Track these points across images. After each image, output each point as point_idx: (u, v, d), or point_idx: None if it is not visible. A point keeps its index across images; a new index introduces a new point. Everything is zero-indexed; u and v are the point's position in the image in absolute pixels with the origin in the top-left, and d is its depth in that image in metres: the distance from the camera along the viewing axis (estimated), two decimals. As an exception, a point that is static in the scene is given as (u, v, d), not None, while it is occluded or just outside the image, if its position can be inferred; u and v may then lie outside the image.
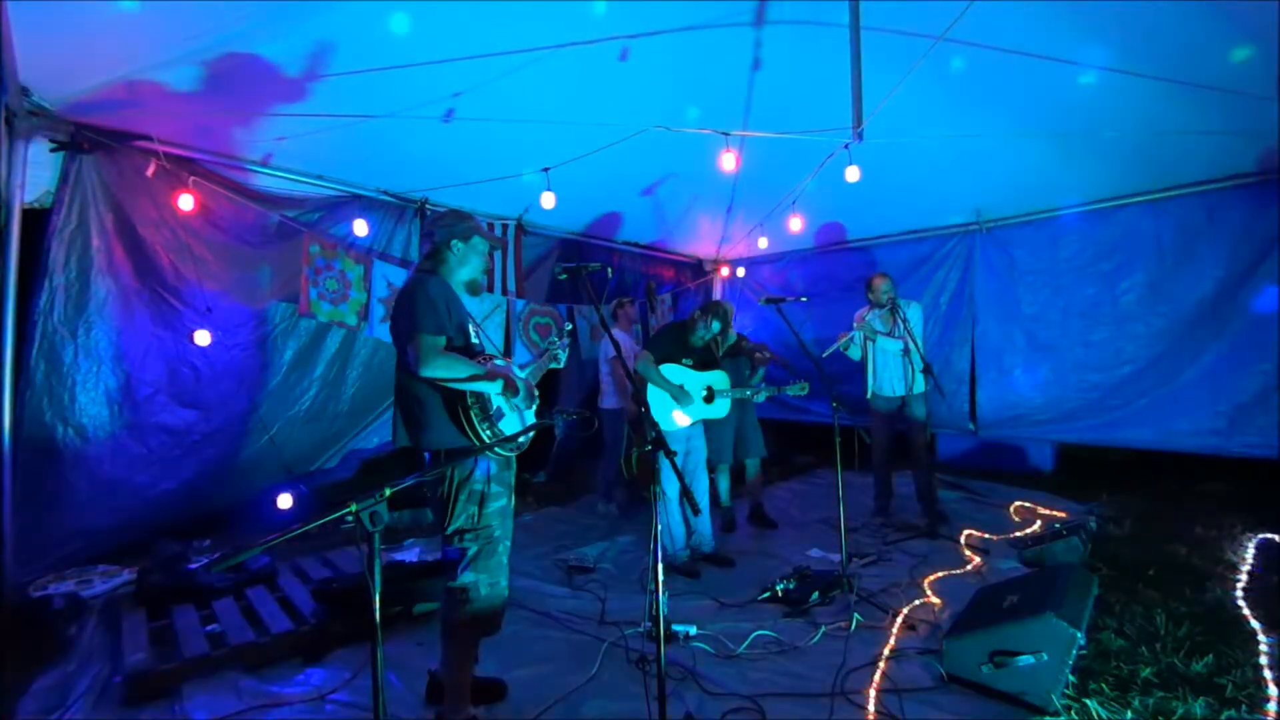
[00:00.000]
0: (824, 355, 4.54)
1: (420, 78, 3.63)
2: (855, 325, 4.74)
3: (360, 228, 4.72)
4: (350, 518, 1.44)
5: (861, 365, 4.83)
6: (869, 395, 4.81)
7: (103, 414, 3.71)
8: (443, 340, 2.13)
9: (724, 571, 3.85)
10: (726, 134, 4.00)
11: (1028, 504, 5.03)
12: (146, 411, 3.89)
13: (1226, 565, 3.55)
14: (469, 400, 2.14)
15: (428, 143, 4.27)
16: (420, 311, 2.13)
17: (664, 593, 1.95)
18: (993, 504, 5.11)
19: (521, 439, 2.24)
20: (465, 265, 2.38)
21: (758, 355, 4.68)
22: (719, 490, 4.78)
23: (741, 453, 4.74)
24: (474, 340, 2.31)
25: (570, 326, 2.86)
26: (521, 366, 2.51)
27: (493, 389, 2.19)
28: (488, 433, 2.15)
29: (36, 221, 3.42)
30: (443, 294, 2.22)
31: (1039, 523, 4.61)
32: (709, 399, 3.98)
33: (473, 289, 2.43)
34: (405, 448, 2.26)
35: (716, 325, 3.99)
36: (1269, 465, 4.57)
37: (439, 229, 2.36)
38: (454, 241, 2.34)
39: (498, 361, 2.31)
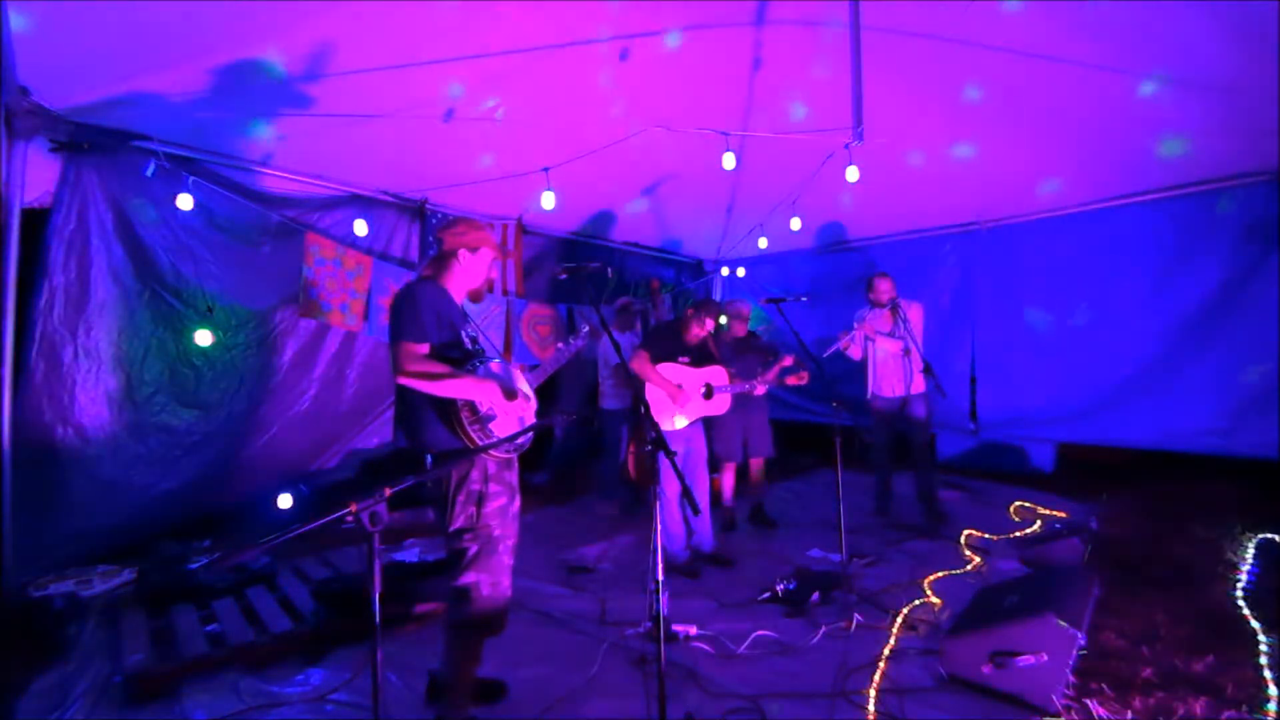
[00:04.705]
0: (825, 355, 4.53)
1: (420, 78, 3.63)
2: (856, 325, 4.74)
3: (360, 228, 4.72)
4: (350, 518, 1.44)
5: (861, 365, 4.83)
6: (869, 395, 4.81)
7: (103, 414, 3.71)
8: (423, 348, 2.14)
9: (724, 571, 3.84)
10: (727, 134, 4.00)
11: (1028, 504, 5.03)
12: (146, 411, 3.88)
13: (1226, 565, 3.55)
14: (459, 402, 2.15)
15: (428, 143, 4.27)
16: (405, 319, 2.16)
17: (664, 593, 1.95)
18: (993, 504, 5.11)
19: (519, 440, 2.24)
20: (470, 274, 2.39)
21: (772, 359, 4.65)
22: (722, 489, 4.78)
23: (750, 451, 4.74)
24: (468, 346, 2.30)
25: (586, 328, 2.85)
26: (528, 369, 2.51)
27: (477, 396, 2.18)
28: (479, 434, 2.16)
29: (36, 221, 3.43)
30: (433, 301, 2.22)
31: (1039, 523, 4.61)
32: (708, 396, 3.98)
33: (475, 297, 2.45)
34: (405, 447, 2.27)
35: (710, 323, 3.98)
36: (1269, 465, 4.56)
37: (449, 235, 2.37)
38: (461, 251, 2.35)
39: (494, 362, 2.31)
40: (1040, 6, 3.36)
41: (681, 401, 3.81)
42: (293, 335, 4.54)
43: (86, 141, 3.49)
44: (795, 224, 5.44)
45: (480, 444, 2.15)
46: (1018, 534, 4.36)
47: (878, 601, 3.30)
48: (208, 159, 4.00)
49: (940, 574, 3.65)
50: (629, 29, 3.63)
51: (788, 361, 4.39)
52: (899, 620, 3.04)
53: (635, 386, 2.72)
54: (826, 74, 3.70)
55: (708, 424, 4.16)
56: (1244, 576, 3.37)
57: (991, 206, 5.73)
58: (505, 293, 5.61)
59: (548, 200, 4.43)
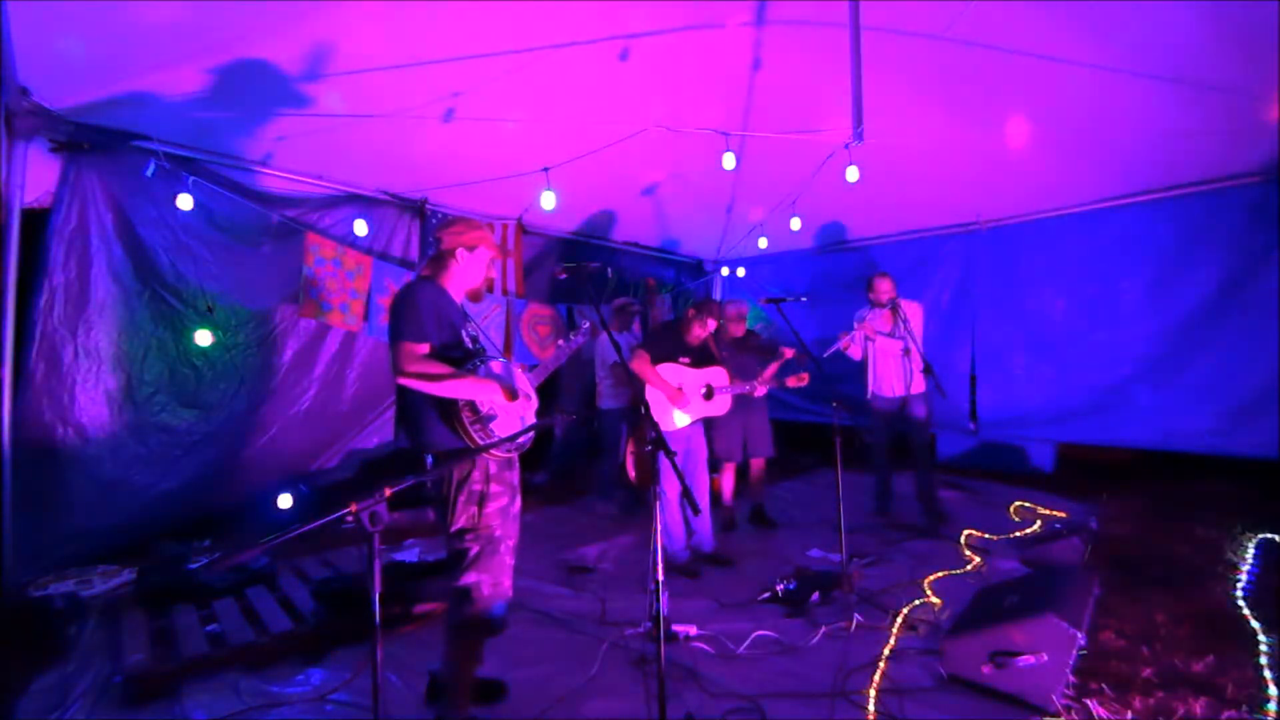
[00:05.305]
0: (824, 355, 4.53)
1: (420, 78, 3.63)
2: (856, 325, 4.74)
3: (360, 228, 4.73)
4: (350, 518, 1.44)
5: (861, 365, 4.83)
6: (869, 395, 4.81)
7: (103, 414, 3.71)
8: (423, 348, 2.14)
9: (724, 571, 3.84)
10: (727, 134, 4.00)
11: (1028, 504, 5.03)
12: (146, 411, 3.88)
13: (1226, 565, 3.55)
14: (460, 402, 2.15)
15: (428, 143, 4.27)
16: (404, 319, 2.16)
17: (664, 593, 1.95)
18: (993, 504, 5.11)
19: (520, 439, 2.23)
20: (469, 273, 2.39)
21: (779, 355, 4.64)
22: (722, 489, 4.78)
23: (750, 451, 4.74)
24: (469, 346, 2.30)
25: (587, 324, 2.85)
26: (528, 369, 2.50)
27: (478, 396, 2.18)
28: (479, 434, 2.16)
29: (36, 221, 3.43)
30: (432, 301, 2.22)
31: (1039, 523, 4.61)
32: (708, 396, 3.98)
33: (474, 296, 2.45)
34: (406, 448, 2.27)
35: (712, 324, 3.98)
36: (1269, 465, 4.57)
37: (447, 234, 2.37)
38: (460, 250, 2.35)
39: (495, 362, 2.31)
40: (1040, 6, 3.36)
41: (681, 402, 3.81)
42: (293, 335, 4.54)
43: (86, 141, 3.50)
44: (795, 224, 5.45)
45: (481, 444, 2.15)
46: (1018, 534, 4.36)
47: (878, 601, 3.30)
48: (208, 159, 4.00)
49: (940, 574, 3.65)
50: (629, 29, 3.63)
51: (788, 355, 4.39)
52: (899, 620, 3.04)
53: (635, 387, 2.73)
54: (826, 74, 3.69)
55: (707, 424, 4.16)
56: (1244, 576, 3.37)
57: (991, 206, 5.73)
58: (505, 292, 5.61)
59: (548, 200, 4.43)
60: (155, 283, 3.89)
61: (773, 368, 4.29)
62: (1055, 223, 5.55)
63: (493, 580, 2.21)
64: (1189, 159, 4.55)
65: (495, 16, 3.33)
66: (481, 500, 2.20)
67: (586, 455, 6.12)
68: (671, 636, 2.90)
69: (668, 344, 3.94)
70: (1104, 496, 5.04)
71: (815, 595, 3.28)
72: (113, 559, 3.66)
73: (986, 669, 2.39)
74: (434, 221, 5.11)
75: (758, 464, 4.83)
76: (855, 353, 4.75)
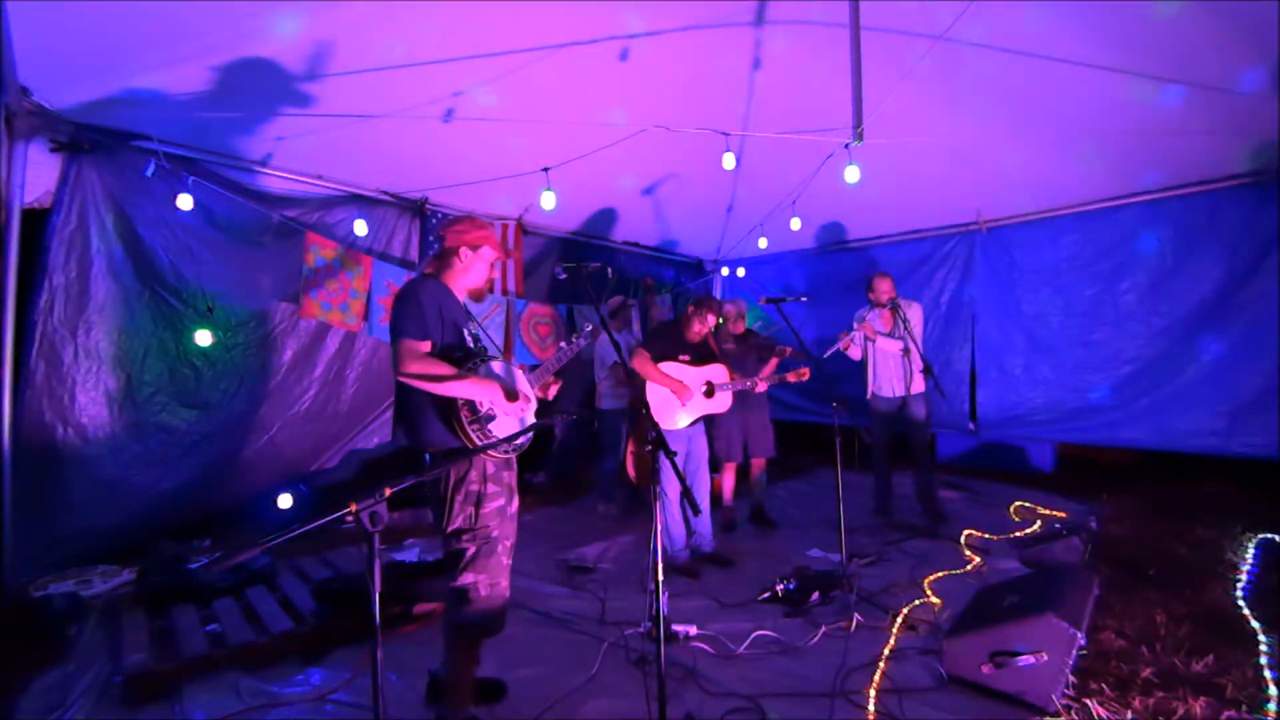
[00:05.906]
0: (824, 356, 4.54)
1: (420, 78, 3.63)
2: (855, 325, 4.74)
3: (360, 228, 4.73)
4: (350, 518, 1.44)
5: (861, 365, 4.83)
6: (869, 395, 4.81)
7: (103, 414, 3.71)
8: (425, 346, 2.14)
9: (724, 571, 3.84)
10: (726, 134, 4.00)
11: (1028, 504, 5.03)
12: (147, 411, 3.88)
13: (1226, 565, 3.55)
14: (459, 402, 2.15)
15: (428, 143, 4.27)
16: (406, 315, 2.15)
17: (664, 593, 1.95)
18: (993, 504, 5.11)
19: (518, 440, 2.23)
20: (471, 272, 2.39)
21: (778, 350, 4.64)
22: (722, 489, 4.78)
23: (751, 452, 4.74)
24: (470, 345, 2.30)
25: (589, 327, 2.84)
26: (530, 368, 2.50)
27: (479, 396, 2.18)
28: (478, 434, 2.15)
29: (36, 221, 3.43)
30: (435, 299, 2.22)
31: (1039, 523, 4.61)
32: (709, 394, 3.98)
33: (476, 296, 2.45)
34: (405, 447, 2.26)
35: (712, 319, 3.98)
36: (1269, 465, 4.57)
37: (451, 233, 2.37)
38: (463, 249, 2.35)
39: (495, 363, 2.31)
40: (1041, 6, 3.36)
41: (685, 398, 3.81)
42: (293, 335, 4.54)
43: (86, 141, 3.50)
44: (795, 224, 5.45)
45: (479, 444, 2.15)
46: (1018, 534, 4.36)
47: (878, 601, 3.30)
48: (208, 159, 4.00)
49: (940, 574, 3.65)
50: (629, 29, 3.63)
51: (786, 352, 4.38)
52: (899, 620, 3.04)
53: (635, 386, 2.73)
54: (826, 74, 3.69)
55: (708, 423, 4.16)
56: (1244, 576, 3.37)
57: (991, 206, 5.73)
58: (505, 293, 5.61)
59: (548, 200, 4.43)
60: (155, 283, 3.89)
61: (771, 364, 4.29)
62: (1055, 223, 5.55)
63: (490, 580, 2.21)
64: (1189, 159, 4.55)
65: (495, 16, 3.33)
66: (478, 500, 2.20)
67: (586, 455, 6.11)
68: (671, 636, 2.90)
69: (668, 342, 3.94)
70: (1104, 496, 5.04)
71: (815, 595, 3.28)
72: (113, 559, 3.66)
73: (986, 669, 2.39)
74: (434, 221, 5.11)
75: (758, 464, 4.83)
76: (855, 353, 4.75)
